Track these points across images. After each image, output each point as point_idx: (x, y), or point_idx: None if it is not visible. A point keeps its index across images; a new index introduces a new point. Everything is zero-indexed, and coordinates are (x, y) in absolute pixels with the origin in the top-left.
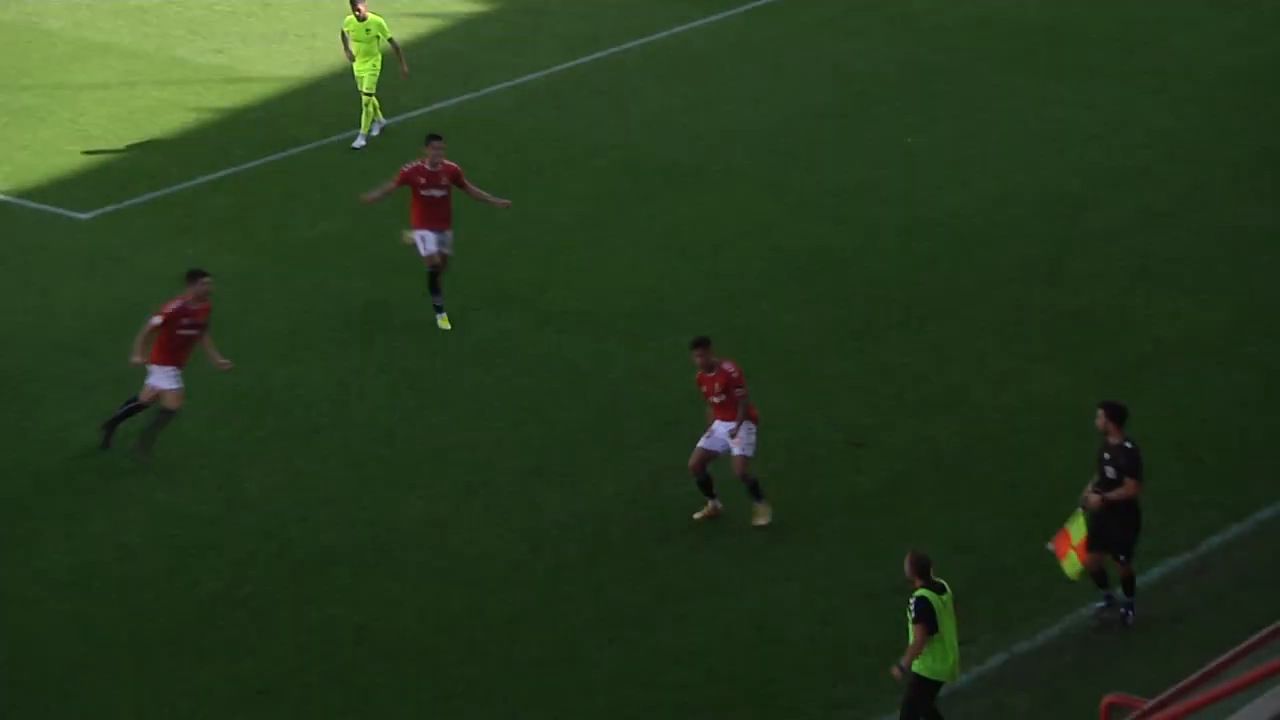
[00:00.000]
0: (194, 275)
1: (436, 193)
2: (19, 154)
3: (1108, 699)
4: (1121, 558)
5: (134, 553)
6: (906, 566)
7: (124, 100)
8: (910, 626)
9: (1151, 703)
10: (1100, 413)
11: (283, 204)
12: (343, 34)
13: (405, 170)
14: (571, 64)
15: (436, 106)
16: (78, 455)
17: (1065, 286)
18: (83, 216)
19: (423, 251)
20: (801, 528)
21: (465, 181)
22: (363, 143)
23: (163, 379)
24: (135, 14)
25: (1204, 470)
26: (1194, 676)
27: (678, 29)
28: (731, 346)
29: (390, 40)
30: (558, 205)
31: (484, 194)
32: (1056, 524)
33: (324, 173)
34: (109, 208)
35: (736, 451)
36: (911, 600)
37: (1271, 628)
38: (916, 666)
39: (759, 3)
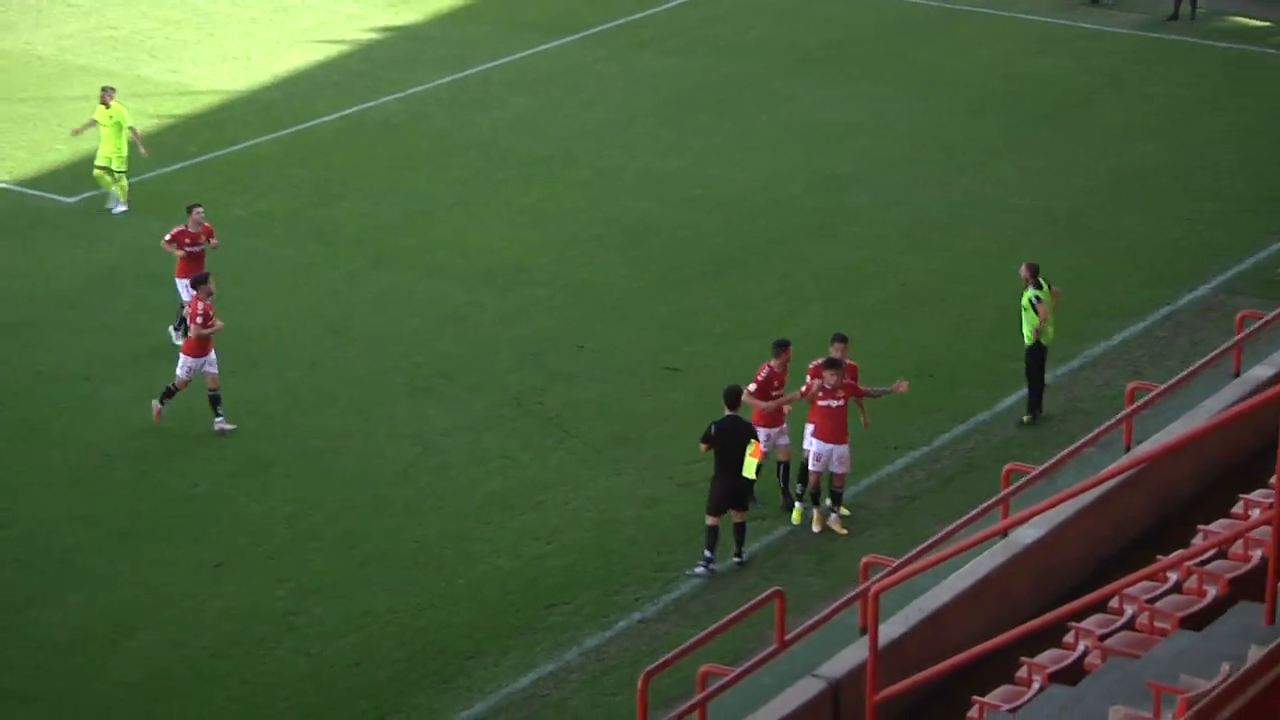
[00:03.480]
0: None
1: (834, 403)
2: (18, 152)
3: (866, 559)
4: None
5: (115, 459)
6: (1023, 271)
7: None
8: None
9: (898, 561)
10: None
11: (225, 189)
12: (93, 119)
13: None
14: (450, 79)
15: (345, 112)
16: (69, 385)
17: (834, 245)
18: (68, 200)
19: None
20: (631, 435)
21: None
22: (124, 208)
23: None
24: (108, 42)
25: (934, 384)
26: (930, 540)
27: (530, 51)
28: (574, 296)
29: (131, 127)
30: (439, 187)
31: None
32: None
33: (257, 165)
34: (89, 193)
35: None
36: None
37: (988, 502)
38: (1042, 339)
39: (591, 30)
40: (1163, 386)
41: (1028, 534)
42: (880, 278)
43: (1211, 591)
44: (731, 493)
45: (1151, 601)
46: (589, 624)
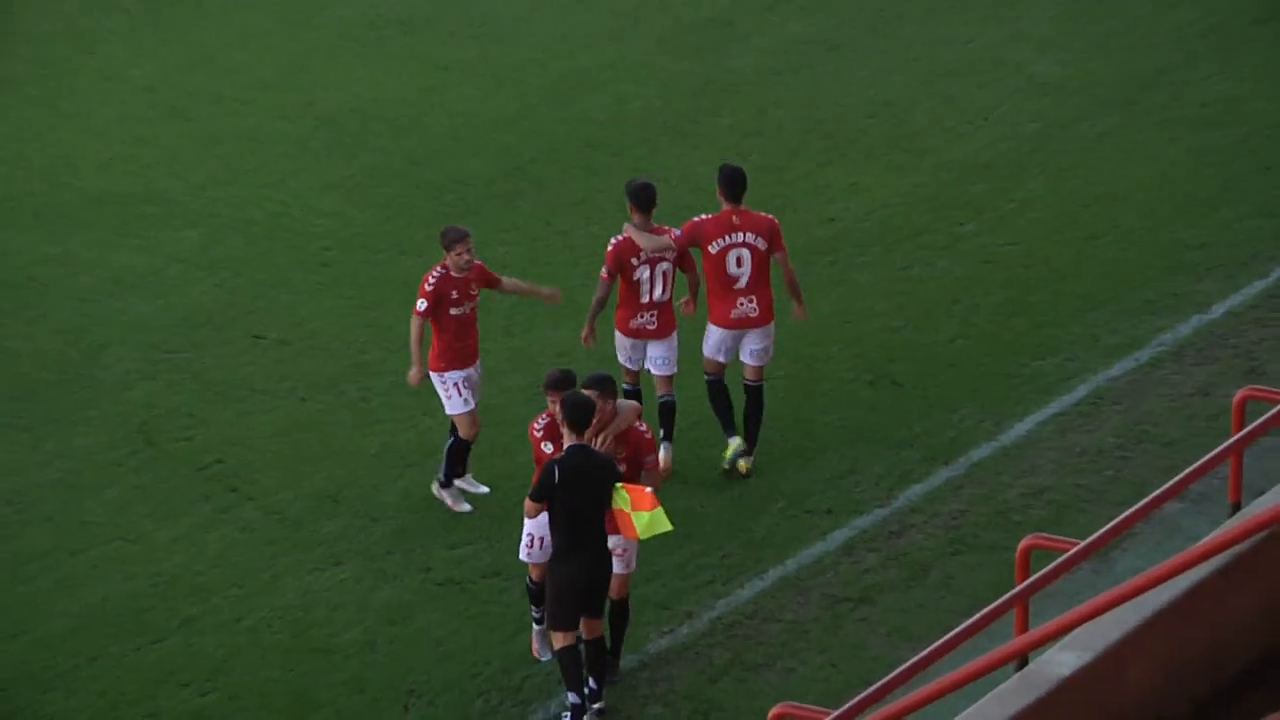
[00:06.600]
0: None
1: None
2: None
3: (777, 710)
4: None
5: None
6: None
7: None
8: None
9: (837, 712)
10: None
11: None
12: None
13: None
14: None
15: None
16: None
17: (708, 148)
18: None
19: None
20: (353, 495)
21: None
22: None
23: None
24: None
25: (900, 396)
26: (890, 675)
27: None
28: (246, 248)
29: None
30: (7, 58)
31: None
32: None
33: None
34: None
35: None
36: None
37: (992, 605)
38: None
39: None
40: None
41: (1062, 661)
42: (799, 208)
43: None
44: (588, 584)
45: None
46: None
